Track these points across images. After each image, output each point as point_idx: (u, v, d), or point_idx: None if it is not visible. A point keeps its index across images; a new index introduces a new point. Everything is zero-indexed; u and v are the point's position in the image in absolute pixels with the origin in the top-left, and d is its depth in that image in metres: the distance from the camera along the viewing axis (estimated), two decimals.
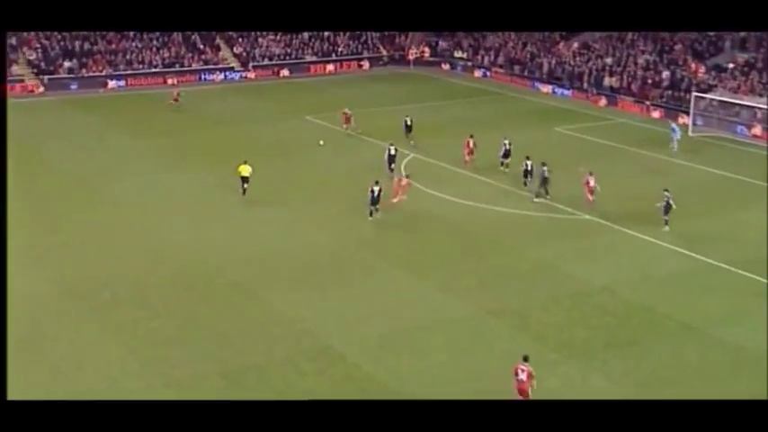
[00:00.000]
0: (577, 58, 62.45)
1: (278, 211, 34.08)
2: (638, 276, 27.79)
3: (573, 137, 46.50)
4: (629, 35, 62.76)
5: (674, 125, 44.64)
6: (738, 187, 37.11)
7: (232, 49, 68.45)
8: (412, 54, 71.40)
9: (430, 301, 25.96)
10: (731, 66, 54.51)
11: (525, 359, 19.85)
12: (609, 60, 60.37)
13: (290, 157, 41.95)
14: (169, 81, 62.39)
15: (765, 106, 46.43)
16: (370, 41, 72.52)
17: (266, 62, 68.00)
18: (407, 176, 35.05)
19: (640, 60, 58.95)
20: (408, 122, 44.31)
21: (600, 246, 30.62)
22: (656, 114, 52.66)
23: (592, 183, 34.19)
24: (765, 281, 27.20)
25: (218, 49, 68.15)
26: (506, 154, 38.93)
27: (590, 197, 33.98)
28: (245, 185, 35.10)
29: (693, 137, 46.52)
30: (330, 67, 68.81)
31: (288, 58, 68.81)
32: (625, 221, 32.55)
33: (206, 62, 66.11)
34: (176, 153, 43.09)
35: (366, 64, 70.13)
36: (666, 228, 31.59)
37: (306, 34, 71.15)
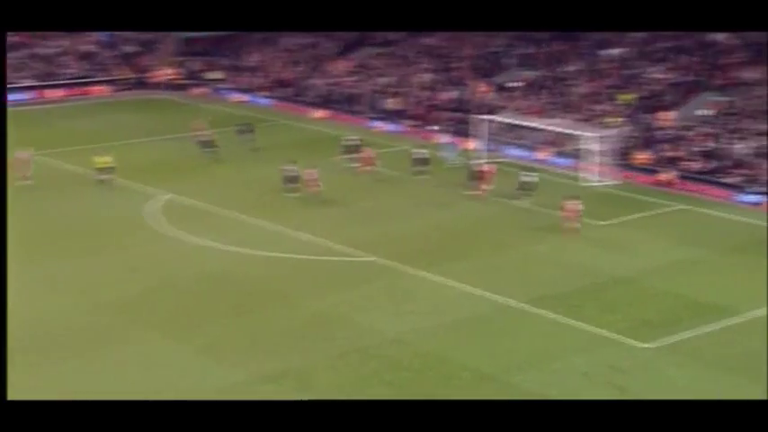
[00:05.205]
0: (353, 78, 64.50)
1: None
2: (431, 323, 28.88)
3: (347, 168, 47.21)
4: (408, 51, 65.82)
5: (446, 142, 51.16)
6: (528, 217, 39.74)
7: None
8: (160, 76, 70.46)
9: (190, 369, 25.58)
10: (517, 84, 58.62)
11: None
12: (388, 80, 62.84)
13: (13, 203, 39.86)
14: None
15: (552, 128, 50.05)
16: (105, 62, 70.84)
17: None
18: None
19: (422, 79, 61.88)
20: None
21: (388, 291, 31.54)
22: (443, 139, 55.19)
23: (486, 168, 42.84)
24: (567, 319, 29.26)
25: None
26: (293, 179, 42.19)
27: (484, 187, 41.92)
28: (111, 176, 42.60)
29: (479, 163, 49.22)
30: (59, 92, 66.39)
31: None
32: (412, 261, 33.78)
33: None
34: None
35: (102, 89, 68.32)
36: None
37: (22, 52, 68.29)
